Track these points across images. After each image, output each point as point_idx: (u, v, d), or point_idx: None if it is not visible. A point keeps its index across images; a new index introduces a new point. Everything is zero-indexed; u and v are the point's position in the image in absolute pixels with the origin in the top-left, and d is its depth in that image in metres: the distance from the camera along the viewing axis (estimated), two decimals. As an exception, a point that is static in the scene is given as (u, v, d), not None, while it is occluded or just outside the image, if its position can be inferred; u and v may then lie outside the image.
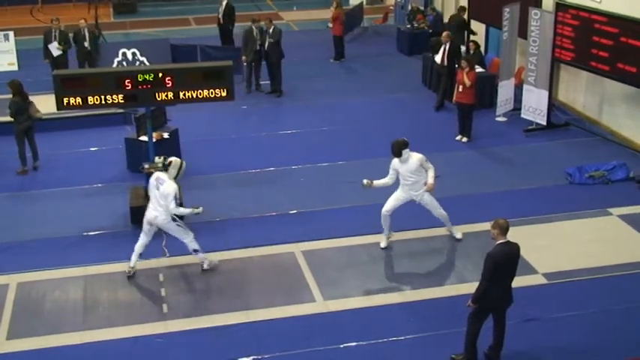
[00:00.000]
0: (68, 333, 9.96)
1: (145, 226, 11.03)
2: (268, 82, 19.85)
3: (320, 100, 19.03)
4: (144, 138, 14.05)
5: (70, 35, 20.10)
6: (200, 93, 12.21)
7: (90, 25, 20.86)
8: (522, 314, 9.79)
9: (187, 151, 15.42)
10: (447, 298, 10.48)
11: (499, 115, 17.26)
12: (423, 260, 11.53)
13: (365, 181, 11.51)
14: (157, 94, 12.08)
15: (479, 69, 17.37)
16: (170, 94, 12.12)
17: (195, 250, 11.14)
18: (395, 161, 11.44)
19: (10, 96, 14.93)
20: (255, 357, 9.36)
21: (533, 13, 16.21)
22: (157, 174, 11.02)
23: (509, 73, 17.20)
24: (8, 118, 15.04)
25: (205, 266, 11.28)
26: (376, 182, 11.58)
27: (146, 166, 12.70)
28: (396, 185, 11.65)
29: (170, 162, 11.04)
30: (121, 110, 16.48)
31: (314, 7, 30.65)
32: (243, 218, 12.88)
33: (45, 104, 15.46)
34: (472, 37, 19.68)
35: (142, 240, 11.11)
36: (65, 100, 11.98)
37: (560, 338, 9.61)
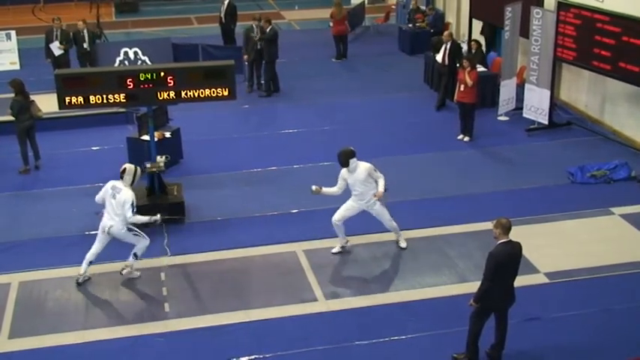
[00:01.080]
0: (69, 332, 9.96)
1: (99, 234, 10.87)
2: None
3: (321, 100, 19.03)
4: (146, 137, 14.06)
5: (71, 35, 20.11)
6: (202, 92, 12.23)
7: (90, 25, 20.84)
8: (524, 313, 9.78)
9: (189, 150, 15.46)
10: (449, 297, 10.47)
11: (501, 115, 17.25)
12: (425, 260, 11.52)
13: (314, 187, 11.30)
14: (158, 94, 12.11)
15: (480, 68, 17.35)
16: (172, 94, 12.13)
17: (135, 255, 10.95)
18: (343, 171, 11.24)
19: (12, 95, 14.94)
20: (256, 356, 9.36)
21: (535, 12, 16.19)
22: (112, 182, 10.85)
23: (511, 72, 17.18)
24: (10, 118, 15.05)
25: (125, 272, 11.02)
26: (325, 189, 11.36)
27: (148, 165, 12.73)
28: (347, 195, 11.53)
29: (124, 169, 10.85)
30: (122, 109, 16.51)
31: (315, 6, 30.63)
32: (244, 217, 12.88)
33: (47, 103, 15.48)
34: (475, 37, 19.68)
35: (94, 248, 10.90)
36: (67, 100, 12.01)
37: (561, 338, 9.60)
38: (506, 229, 8.65)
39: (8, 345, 9.72)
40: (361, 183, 11.18)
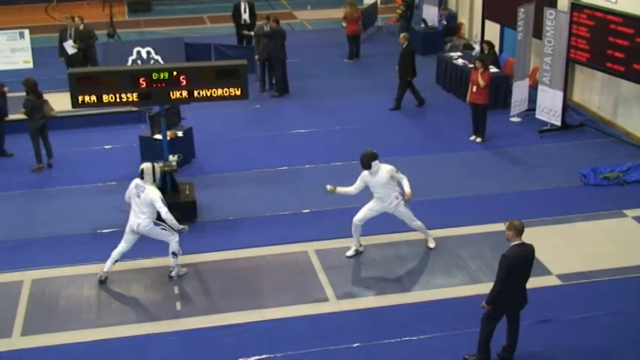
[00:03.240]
0: (82, 330, 10.00)
1: (127, 235, 10.90)
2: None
3: (333, 100, 19.02)
4: (158, 136, 14.09)
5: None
6: (214, 92, 12.24)
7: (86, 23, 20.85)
8: (536, 315, 9.76)
9: (201, 149, 15.49)
10: (461, 298, 10.46)
11: (513, 116, 17.20)
12: (437, 260, 11.51)
13: (328, 187, 11.22)
14: (171, 93, 12.14)
15: (493, 69, 17.31)
16: (184, 93, 12.16)
17: (174, 254, 10.98)
18: (364, 173, 11.12)
19: (25, 94, 15.01)
20: (267, 356, 9.37)
21: (548, 13, 16.14)
22: (135, 181, 10.87)
23: (523, 73, 17.13)
24: (23, 116, 15.11)
25: (173, 274, 11.09)
26: (339, 189, 11.27)
27: (160, 164, 12.74)
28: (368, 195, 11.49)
29: (142, 169, 10.84)
30: (135, 109, 16.55)
31: (328, 6, 30.61)
32: (256, 217, 12.90)
33: (60, 102, 15.55)
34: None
35: (121, 247, 10.95)
36: (80, 98, 12.06)
37: (573, 340, 9.58)
38: (519, 231, 8.63)
39: (21, 342, 9.77)
40: (383, 185, 11.09)
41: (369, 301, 10.50)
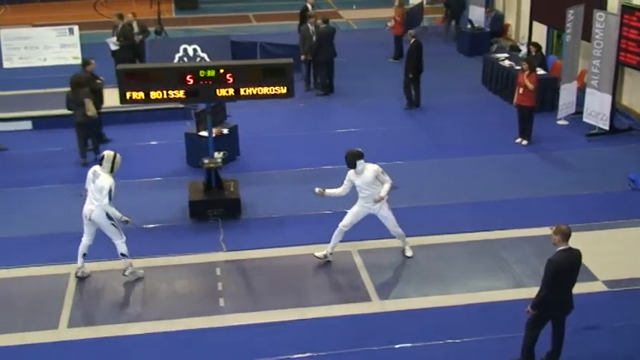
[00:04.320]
0: (126, 323, 10.13)
1: (84, 223, 10.88)
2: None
3: (377, 100, 18.97)
4: (203, 133, 14.19)
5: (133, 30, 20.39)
6: (260, 90, 12.28)
7: (139, 19, 21.11)
8: (582, 322, 9.61)
9: (245, 147, 15.56)
10: (505, 302, 10.36)
11: (560, 119, 17.01)
12: (480, 263, 11.42)
13: (317, 190, 11.20)
14: (217, 91, 12.19)
15: (540, 71, 17.14)
16: (231, 91, 12.21)
17: (123, 255, 10.92)
18: (350, 172, 11.09)
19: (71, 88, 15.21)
20: (310, 354, 9.38)
21: (598, 15, 15.93)
22: (94, 168, 10.82)
23: (571, 76, 16.93)
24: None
25: (127, 272, 11.03)
26: (328, 191, 11.25)
27: (206, 161, 12.85)
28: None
29: (103, 156, 10.79)
30: (181, 105, 16.70)
31: (374, 5, 30.58)
32: (299, 215, 12.93)
33: (108, 98, 15.76)
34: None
35: (84, 240, 10.96)
36: (128, 95, 12.19)
37: (619, 348, 9.43)
38: (566, 236, 8.53)
39: (67, 334, 9.92)
40: (368, 185, 11.04)
41: (412, 302, 10.46)
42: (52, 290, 10.90)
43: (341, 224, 11.32)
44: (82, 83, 15.11)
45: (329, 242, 11.63)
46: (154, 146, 16.25)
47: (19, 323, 10.13)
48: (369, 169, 11.00)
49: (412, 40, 18.33)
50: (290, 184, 14.20)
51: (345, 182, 11.23)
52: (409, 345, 9.52)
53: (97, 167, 10.79)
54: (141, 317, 10.29)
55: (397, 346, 9.50)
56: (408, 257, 11.56)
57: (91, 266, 11.40)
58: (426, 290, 10.77)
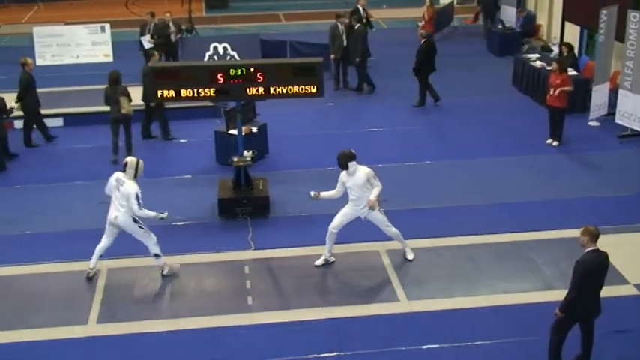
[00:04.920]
0: (155, 320, 10.19)
1: (107, 227, 10.95)
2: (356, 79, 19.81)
3: (408, 100, 18.89)
4: (233, 132, 14.24)
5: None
6: (290, 89, 12.31)
7: (174, 18, 21.27)
8: (612, 325, 9.51)
9: (274, 145, 15.59)
10: (534, 304, 10.27)
11: (592, 120, 16.86)
12: (509, 264, 11.34)
13: (312, 193, 11.18)
14: (248, 89, 12.23)
15: (572, 72, 16.99)
16: (261, 89, 12.25)
17: (157, 255, 10.99)
18: (343, 174, 11.03)
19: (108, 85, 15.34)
20: (338, 353, 9.38)
21: (632, 15, 15.74)
22: (116, 174, 10.89)
23: (604, 76, 16.77)
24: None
25: (165, 272, 11.12)
26: (323, 194, 11.21)
27: (235, 159, 12.90)
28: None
29: (126, 162, 10.86)
30: (210, 104, 16.76)
31: (403, 5, 30.51)
32: (328, 214, 12.82)
33: (137, 95, 15.85)
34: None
35: (104, 242, 11.02)
36: (159, 92, 12.26)
37: (650, 352, 9.35)
38: (594, 237, 8.44)
39: (97, 329, 10.01)
40: (359, 188, 10.97)
41: (441, 302, 10.42)
42: (81, 286, 11.00)
43: (330, 226, 11.27)
44: (119, 80, 15.21)
45: (359, 242, 11.66)
46: (184, 144, 16.33)
47: (48, 318, 10.24)
48: (360, 172, 10.94)
49: (422, 41, 18.25)
50: (318, 183, 14.07)
51: (338, 184, 11.17)
52: (436, 346, 9.49)
53: (120, 174, 10.86)
54: (169, 314, 10.36)
55: (425, 347, 9.46)
56: (409, 260, 11.45)
57: (122, 262, 11.50)
58: (454, 291, 10.72)
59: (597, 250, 8.47)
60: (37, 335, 9.87)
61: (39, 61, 22.88)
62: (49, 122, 17.10)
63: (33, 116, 16.32)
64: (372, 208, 10.96)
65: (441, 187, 13.80)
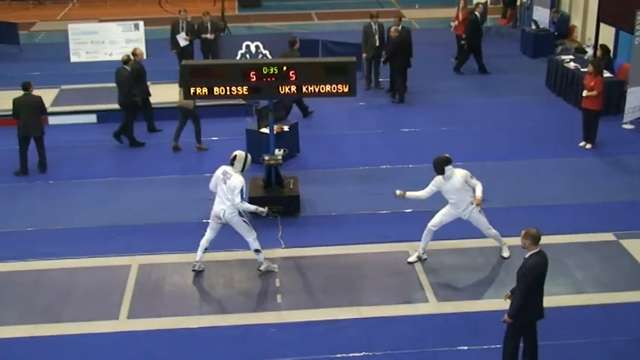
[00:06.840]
0: (184, 316, 10.25)
1: (212, 221, 11.04)
2: (387, 79, 19.72)
3: (440, 100, 18.85)
4: (264, 130, 14.26)
5: (195, 26, 20.63)
6: (322, 88, 12.30)
7: (213, 17, 21.38)
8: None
9: (305, 145, 15.60)
10: (564, 308, 10.17)
11: (626, 123, 16.67)
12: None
13: (398, 192, 11.07)
14: (280, 88, 12.24)
15: (607, 74, 16.80)
16: (293, 88, 12.25)
17: (257, 251, 11.07)
18: (438, 178, 10.91)
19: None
20: (366, 353, 9.38)
21: (669, 17, 15.57)
22: (223, 168, 10.97)
23: (639, 79, 16.56)
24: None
25: (262, 268, 11.19)
26: (409, 193, 11.09)
27: (266, 157, 12.92)
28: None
29: (235, 156, 10.96)
30: (242, 102, 16.82)
31: (436, 5, 30.39)
32: (358, 214, 12.92)
33: (169, 93, 15.96)
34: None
35: (208, 235, 11.11)
36: (192, 90, 12.31)
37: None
38: (536, 240, 8.40)
39: (127, 325, 10.10)
40: (457, 191, 10.92)
41: (470, 304, 10.37)
42: (113, 281, 11.10)
43: (430, 224, 11.24)
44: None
45: (388, 242, 11.64)
46: (215, 142, 16.37)
47: (80, 313, 10.35)
48: (457, 175, 10.89)
49: (395, 35, 18.61)
50: (349, 183, 14.20)
51: (431, 187, 11.05)
52: (465, 348, 9.44)
53: (227, 167, 10.96)
54: (199, 311, 10.41)
55: (454, 349, 9.42)
56: (505, 258, 11.43)
57: (153, 259, 11.58)
58: (484, 293, 10.68)
59: (540, 251, 8.43)
60: (69, 329, 9.98)
61: (73, 58, 23.17)
62: (83, 119, 17.27)
63: (141, 106, 16.57)
64: (478, 205, 10.96)
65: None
